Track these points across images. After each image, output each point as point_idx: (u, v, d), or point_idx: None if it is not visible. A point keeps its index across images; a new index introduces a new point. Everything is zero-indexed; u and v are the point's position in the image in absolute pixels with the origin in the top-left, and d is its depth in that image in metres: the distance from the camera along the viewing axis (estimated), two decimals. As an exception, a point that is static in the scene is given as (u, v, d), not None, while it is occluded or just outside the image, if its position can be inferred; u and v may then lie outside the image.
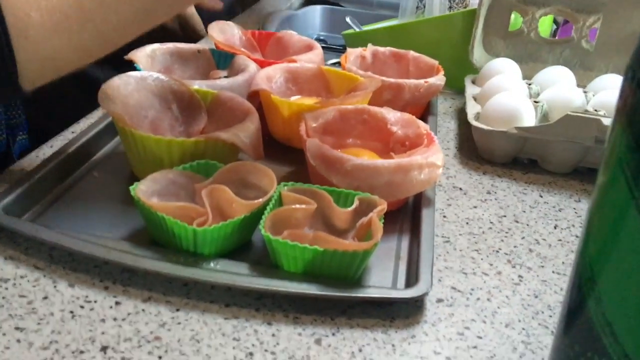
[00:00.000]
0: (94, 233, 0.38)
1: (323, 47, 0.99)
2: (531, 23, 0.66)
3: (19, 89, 0.39)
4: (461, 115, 0.65)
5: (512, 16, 0.68)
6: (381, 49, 0.66)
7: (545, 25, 0.71)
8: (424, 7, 0.85)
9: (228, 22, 0.66)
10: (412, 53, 0.65)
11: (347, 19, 0.90)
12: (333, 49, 1.00)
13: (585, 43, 0.66)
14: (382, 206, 0.38)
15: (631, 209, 0.19)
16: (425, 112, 0.62)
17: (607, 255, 0.21)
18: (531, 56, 0.68)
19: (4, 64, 0.37)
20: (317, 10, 1.04)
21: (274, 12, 0.94)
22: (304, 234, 0.36)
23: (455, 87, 0.72)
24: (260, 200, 0.37)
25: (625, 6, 0.65)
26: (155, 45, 0.58)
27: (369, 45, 0.66)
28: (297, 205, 0.38)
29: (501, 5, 0.67)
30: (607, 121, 0.49)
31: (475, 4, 0.79)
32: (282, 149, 0.53)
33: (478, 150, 0.56)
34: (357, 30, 0.89)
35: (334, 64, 0.92)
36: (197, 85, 0.51)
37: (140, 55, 0.56)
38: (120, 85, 0.47)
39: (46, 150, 0.49)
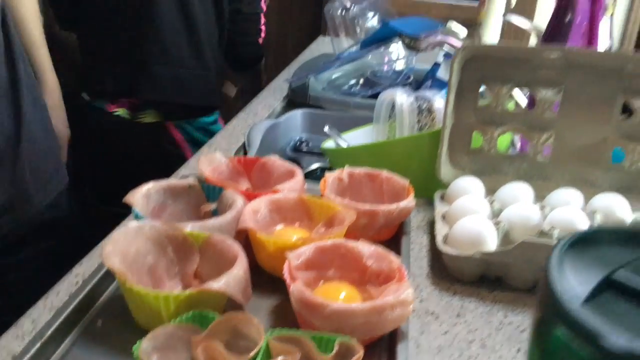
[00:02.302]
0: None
1: (305, 152, 1.08)
2: (490, 141, 0.73)
3: None
4: (433, 229, 0.71)
5: (474, 134, 0.75)
6: (357, 170, 0.72)
7: (504, 141, 0.78)
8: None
9: (216, 152, 0.72)
10: (384, 173, 0.71)
11: (326, 129, 0.96)
12: (314, 153, 1.07)
13: (540, 157, 0.73)
14: (359, 354, 0.42)
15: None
16: (399, 230, 0.68)
17: None
18: (494, 169, 0.75)
19: None
20: (298, 115, 1.12)
21: (258, 123, 1.01)
22: (289, 384, 0.41)
23: (428, 196, 0.78)
24: (250, 354, 0.42)
25: (574, 122, 0.72)
26: (150, 184, 0.64)
27: (346, 167, 0.72)
28: (282, 357, 0.42)
29: (463, 126, 0.74)
30: (559, 245, 0.55)
31: (441, 117, 0.86)
32: (269, 279, 0.58)
33: (448, 269, 0.61)
34: (336, 138, 0.95)
35: (314, 170, 0.99)
36: (190, 227, 0.56)
37: (137, 197, 0.62)
38: (120, 238, 0.52)
39: (52, 297, 0.54)
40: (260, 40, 1.44)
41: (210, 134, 1.16)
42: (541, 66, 0.70)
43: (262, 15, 1.42)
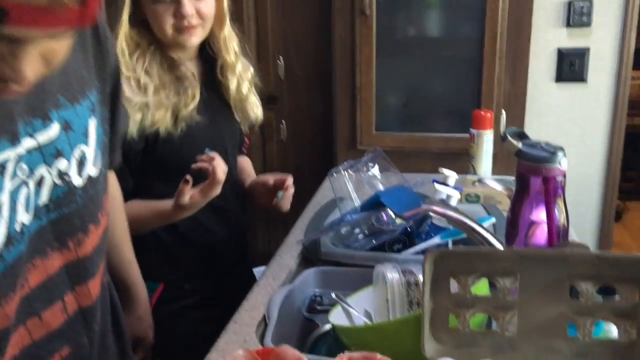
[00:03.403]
0: None
1: (319, 311, 1.23)
2: (464, 322, 0.88)
3: None
4: (422, 404, 0.84)
5: (450, 316, 0.89)
6: (355, 354, 0.86)
7: (478, 319, 0.92)
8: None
9: (238, 350, 0.88)
10: (378, 356, 0.85)
11: (333, 295, 1.12)
12: (326, 310, 1.22)
13: (508, 332, 0.87)
14: None
15: None
16: (392, 410, 0.81)
17: None
18: (471, 343, 0.89)
19: None
20: (311, 275, 1.27)
21: (275, 292, 1.17)
22: None
23: (421, 366, 0.91)
24: None
25: (532, 303, 0.86)
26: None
27: (345, 352, 0.87)
28: None
29: (440, 310, 0.88)
30: None
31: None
32: None
33: None
34: (343, 304, 1.10)
35: (329, 330, 1.14)
36: None
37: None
38: None
39: None
40: None
41: None
42: (498, 260, 0.86)
43: None
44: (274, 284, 1.24)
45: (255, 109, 1.52)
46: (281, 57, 1.80)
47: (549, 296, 0.85)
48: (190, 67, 1.44)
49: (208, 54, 1.45)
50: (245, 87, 1.48)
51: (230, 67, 1.43)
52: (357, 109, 1.94)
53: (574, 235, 1.49)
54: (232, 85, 1.44)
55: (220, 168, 1.25)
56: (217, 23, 1.39)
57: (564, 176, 1.00)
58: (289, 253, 1.39)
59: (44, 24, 0.51)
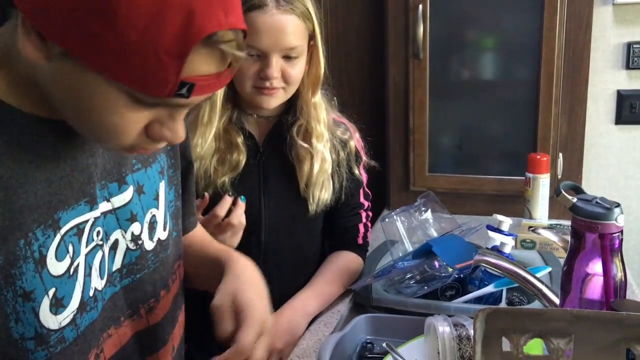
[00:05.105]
0: None
1: (369, 359, 1.23)
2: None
3: None
4: None
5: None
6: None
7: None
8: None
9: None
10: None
11: (384, 344, 1.12)
12: (377, 359, 1.22)
13: (563, 377, 0.85)
14: None
15: None
16: None
17: None
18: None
19: None
20: (361, 321, 1.28)
21: (326, 339, 1.18)
22: None
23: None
24: None
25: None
26: None
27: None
28: None
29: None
30: None
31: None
32: None
33: None
34: (393, 355, 1.10)
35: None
36: None
37: None
38: None
39: None
40: None
41: None
42: (552, 319, 0.85)
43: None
44: (325, 330, 1.26)
45: (323, 191, 1.38)
46: (335, 99, 1.83)
47: (605, 358, 0.84)
48: (255, 123, 1.37)
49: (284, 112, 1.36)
50: (321, 162, 1.35)
51: (318, 136, 1.33)
52: (410, 150, 1.95)
53: (634, 287, 1.44)
54: (317, 151, 1.33)
55: (236, 215, 1.21)
56: (310, 86, 1.32)
57: (621, 232, 0.98)
58: (340, 298, 1.41)
59: (213, 89, 0.54)
